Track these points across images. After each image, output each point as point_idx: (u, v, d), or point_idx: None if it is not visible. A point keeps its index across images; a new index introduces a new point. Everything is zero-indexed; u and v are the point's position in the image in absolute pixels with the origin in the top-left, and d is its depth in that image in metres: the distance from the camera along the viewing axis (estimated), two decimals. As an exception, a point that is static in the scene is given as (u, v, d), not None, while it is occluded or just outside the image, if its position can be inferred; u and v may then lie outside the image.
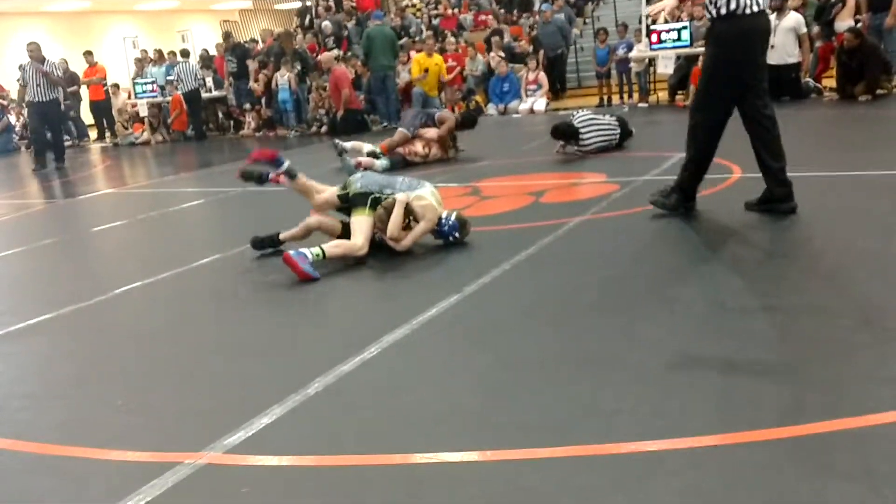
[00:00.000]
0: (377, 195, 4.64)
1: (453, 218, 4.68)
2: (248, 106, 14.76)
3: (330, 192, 4.93)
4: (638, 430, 2.37)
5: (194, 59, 16.13)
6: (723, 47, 4.08)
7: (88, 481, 2.46)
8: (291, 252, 4.34)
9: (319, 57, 13.76)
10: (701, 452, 2.22)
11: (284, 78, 13.85)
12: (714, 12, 4.04)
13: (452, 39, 14.97)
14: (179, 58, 15.74)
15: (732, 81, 4.21)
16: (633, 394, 2.63)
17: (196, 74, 15.07)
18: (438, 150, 8.49)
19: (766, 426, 2.30)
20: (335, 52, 14.26)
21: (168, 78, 15.65)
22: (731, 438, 2.26)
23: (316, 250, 4.41)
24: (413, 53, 13.68)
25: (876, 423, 2.26)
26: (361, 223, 4.60)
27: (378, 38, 12.60)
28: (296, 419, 2.68)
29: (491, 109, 13.37)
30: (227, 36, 15.38)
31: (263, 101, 14.64)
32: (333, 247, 4.54)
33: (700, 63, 4.10)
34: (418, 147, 8.43)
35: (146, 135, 15.60)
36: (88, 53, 16.99)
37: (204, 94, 15.39)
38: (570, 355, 3.01)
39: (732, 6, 4.11)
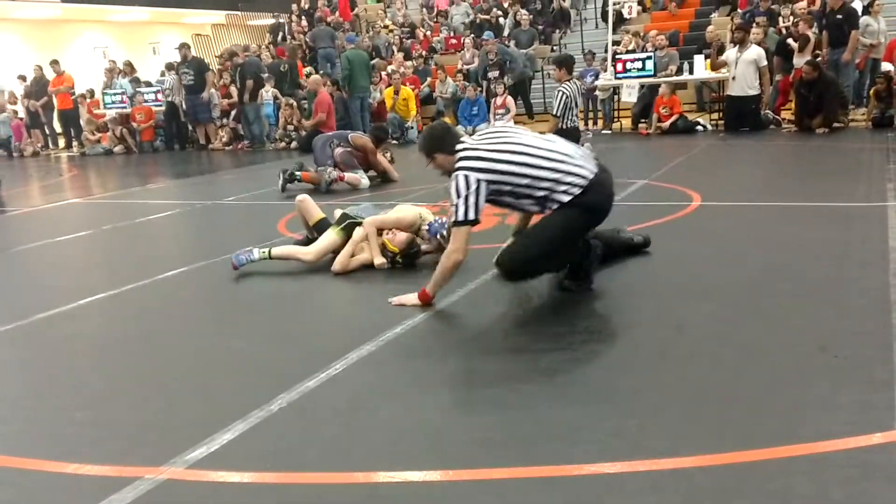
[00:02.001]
0: (361, 219, 4.83)
1: (448, 222, 4.68)
2: (224, 120, 14.70)
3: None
4: (599, 451, 2.39)
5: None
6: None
7: (45, 495, 2.43)
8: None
9: (307, 80, 13.95)
10: (661, 475, 2.24)
11: (269, 93, 13.98)
12: (585, 183, 3.82)
13: (408, 63, 15.17)
14: (165, 69, 16.10)
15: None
16: (594, 415, 2.66)
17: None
18: (376, 171, 8.43)
19: (726, 450, 2.34)
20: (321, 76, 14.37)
21: (138, 90, 15.58)
22: (691, 461, 2.30)
23: (265, 250, 4.85)
24: (384, 74, 14.33)
25: (831, 449, 2.32)
26: (324, 236, 4.89)
27: (356, 60, 13.24)
28: (258, 435, 2.66)
29: (459, 131, 13.45)
30: (183, 46, 15.13)
31: (233, 114, 14.58)
32: (282, 249, 4.92)
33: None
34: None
35: (116, 146, 15.46)
36: (55, 62, 16.80)
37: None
38: (534, 374, 3.03)
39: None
